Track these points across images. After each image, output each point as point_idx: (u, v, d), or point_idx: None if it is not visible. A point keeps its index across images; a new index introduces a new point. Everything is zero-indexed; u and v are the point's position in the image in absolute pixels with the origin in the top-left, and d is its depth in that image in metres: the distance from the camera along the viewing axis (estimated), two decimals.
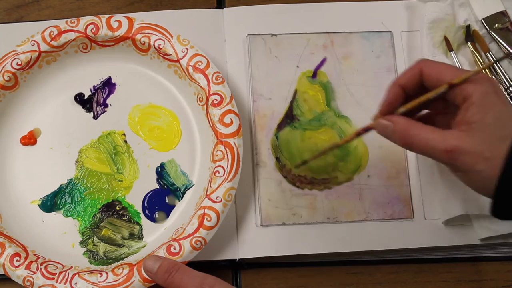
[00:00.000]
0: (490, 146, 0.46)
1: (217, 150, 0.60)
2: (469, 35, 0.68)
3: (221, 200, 0.58)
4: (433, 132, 0.49)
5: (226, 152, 0.60)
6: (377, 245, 0.62)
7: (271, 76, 0.67)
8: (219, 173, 0.59)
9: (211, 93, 0.62)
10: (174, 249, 0.57)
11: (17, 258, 0.57)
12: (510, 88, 0.65)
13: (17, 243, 0.59)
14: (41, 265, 0.57)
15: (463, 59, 0.68)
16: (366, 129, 0.53)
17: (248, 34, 0.68)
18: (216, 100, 0.62)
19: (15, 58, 0.63)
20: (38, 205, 0.62)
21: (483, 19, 0.69)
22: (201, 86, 0.62)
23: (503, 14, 0.69)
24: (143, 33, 0.64)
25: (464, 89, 0.48)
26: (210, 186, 0.59)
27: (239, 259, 0.61)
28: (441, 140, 0.48)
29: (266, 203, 0.63)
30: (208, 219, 0.58)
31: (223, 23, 0.69)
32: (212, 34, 0.68)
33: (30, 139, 0.64)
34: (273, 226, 0.62)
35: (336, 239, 0.62)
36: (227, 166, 0.59)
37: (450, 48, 0.67)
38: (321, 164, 0.64)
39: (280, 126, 0.65)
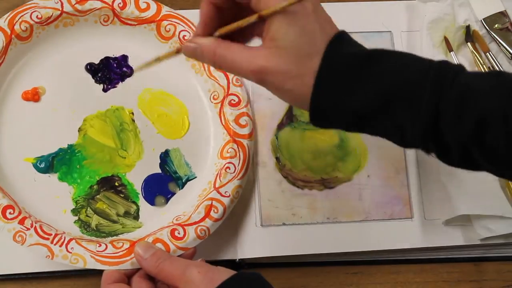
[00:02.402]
0: (297, 64, 0.45)
1: (230, 148, 0.61)
2: (469, 35, 0.68)
3: (230, 195, 0.59)
4: (240, 52, 0.46)
5: (239, 151, 0.61)
6: (377, 245, 0.62)
7: None
8: (229, 169, 0.60)
9: (229, 93, 0.62)
10: (179, 233, 0.57)
11: (11, 210, 0.55)
12: None
13: (9, 197, 0.57)
14: (35, 223, 0.55)
15: (463, 59, 0.68)
16: (177, 52, 0.51)
17: None
18: (234, 100, 0.62)
19: (36, 11, 0.62)
20: (32, 163, 0.60)
21: (483, 19, 0.69)
22: (220, 84, 0.63)
23: (503, 14, 0.69)
24: (169, 20, 0.64)
25: (266, 2, 0.45)
26: (220, 180, 0.59)
27: (239, 259, 0.61)
28: (248, 61, 0.46)
29: (266, 203, 0.63)
30: (215, 211, 0.58)
31: None
32: None
33: (34, 95, 0.62)
34: (273, 226, 0.62)
35: (336, 239, 0.62)
36: (238, 165, 0.60)
37: (450, 48, 0.67)
38: (321, 164, 0.64)
39: (280, 126, 0.65)
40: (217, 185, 0.59)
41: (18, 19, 0.61)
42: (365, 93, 0.44)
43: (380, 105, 0.44)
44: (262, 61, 0.45)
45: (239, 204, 0.62)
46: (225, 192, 0.59)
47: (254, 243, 0.61)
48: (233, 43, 0.47)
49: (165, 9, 0.64)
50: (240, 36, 0.49)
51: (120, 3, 0.64)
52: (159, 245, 0.56)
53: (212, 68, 0.63)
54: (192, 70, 0.65)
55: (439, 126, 0.44)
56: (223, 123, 0.62)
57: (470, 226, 0.62)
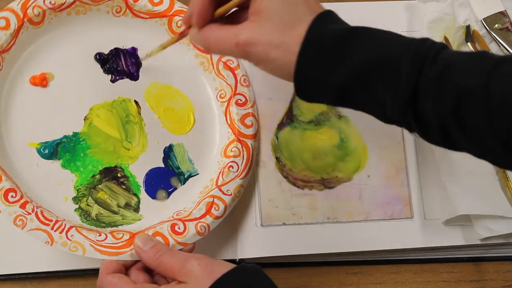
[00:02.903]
0: (280, 33, 0.46)
1: (234, 147, 0.61)
2: (469, 35, 0.68)
3: (231, 194, 0.59)
4: (226, 29, 0.48)
5: (243, 151, 0.61)
6: (377, 245, 0.62)
7: (271, 76, 0.67)
8: (233, 168, 0.60)
9: (236, 92, 0.63)
10: (179, 228, 0.57)
11: (13, 194, 0.55)
12: None
13: (11, 180, 0.56)
14: (37, 208, 0.55)
15: None
16: (180, 36, 0.55)
17: None
18: (241, 100, 0.63)
19: None
20: (36, 148, 0.60)
21: (483, 19, 0.69)
22: (227, 83, 0.63)
23: (503, 14, 0.69)
24: (182, 16, 0.63)
25: None
26: (222, 178, 0.60)
27: (239, 259, 0.61)
28: (233, 36, 0.47)
29: (266, 203, 0.63)
30: (216, 208, 0.58)
31: None
32: None
33: (42, 81, 0.61)
34: (273, 226, 0.62)
35: (336, 239, 0.62)
36: (242, 164, 0.61)
37: None
38: (321, 164, 0.64)
39: (280, 126, 0.65)
40: (219, 183, 0.60)
41: (32, 3, 0.61)
42: (346, 67, 0.45)
43: (360, 79, 0.45)
44: (247, 34, 0.47)
45: (239, 204, 0.62)
46: (227, 190, 0.59)
47: (254, 243, 0.61)
48: (222, 25, 0.49)
49: (178, 5, 0.64)
50: (233, 23, 0.50)
51: None
52: (159, 238, 0.56)
53: (220, 67, 0.64)
54: (200, 67, 0.65)
55: (418, 102, 0.44)
56: (229, 122, 0.63)
57: (470, 226, 0.62)
